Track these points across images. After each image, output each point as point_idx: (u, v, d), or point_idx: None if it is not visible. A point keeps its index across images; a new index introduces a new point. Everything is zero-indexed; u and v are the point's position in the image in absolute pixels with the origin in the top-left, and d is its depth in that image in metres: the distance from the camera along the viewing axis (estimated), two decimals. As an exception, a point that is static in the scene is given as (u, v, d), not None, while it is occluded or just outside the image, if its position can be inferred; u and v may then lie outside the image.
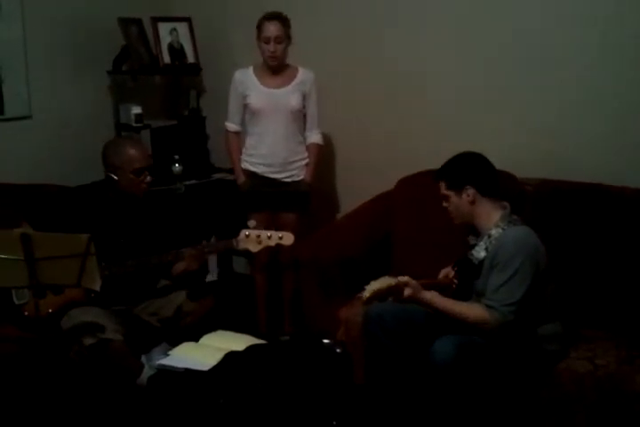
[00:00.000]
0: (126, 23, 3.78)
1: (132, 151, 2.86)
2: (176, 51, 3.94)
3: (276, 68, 3.33)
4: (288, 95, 3.32)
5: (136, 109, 3.80)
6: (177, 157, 3.88)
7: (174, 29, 3.93)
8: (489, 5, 3.26)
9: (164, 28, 3.90)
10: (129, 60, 3.83)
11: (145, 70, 3.90)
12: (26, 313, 2.70)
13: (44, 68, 3.57)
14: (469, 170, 2.54)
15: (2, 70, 3.40)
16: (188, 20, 3.97)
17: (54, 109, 3.64)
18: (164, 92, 4.24)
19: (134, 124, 3.81)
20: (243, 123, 3.45)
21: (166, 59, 3.90)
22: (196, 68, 4.04)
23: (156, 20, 3.88)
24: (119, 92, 3.89)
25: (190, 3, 4.11)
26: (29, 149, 3.55)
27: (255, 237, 2.73)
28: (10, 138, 3.46)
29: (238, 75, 3.37)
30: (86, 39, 3.73)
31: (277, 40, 3.24)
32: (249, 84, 3.34)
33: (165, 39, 3.90)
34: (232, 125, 3.45)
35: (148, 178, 2.87)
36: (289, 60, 3.37)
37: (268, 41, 3.24)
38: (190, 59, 3.99)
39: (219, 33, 4.03)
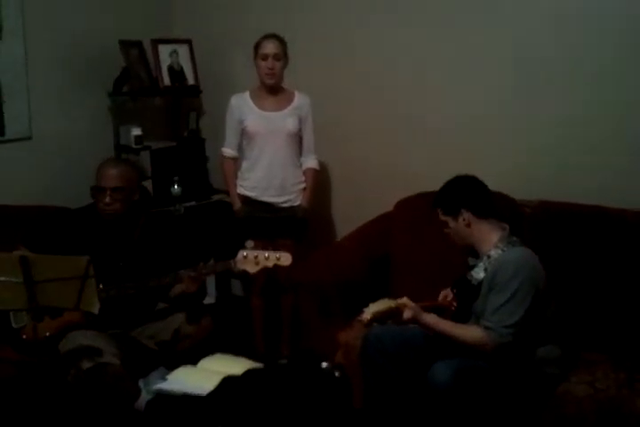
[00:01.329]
0: (127, 45, 3.81)
1: (99, 170, 2.86)
2: (176, 73, 3.97)
3: (272, 89, 3.34)
4: (284, 119, 3.33)
5: (136, 131, 3.81)
6: (176, 178, 3.89)
7: (175, 51, 3.96)
8: (487, 34, 3.28)
9: (164, 50, 3.93)
10: (129, 81, 3.85)
11: (145, 92, 3.92)
12: (24, 337, 2.69)
13: (45, 90, 3.59)
14: (462, 194, 2.56)
15: (3, 91, 3.41)
16: (188, 42, 4.01)
17: (54, 131, 3.65)
18: (164, 114, 4.26)
19: (134, 146, 3.82)
20: (239, 149, 3.45)
21: (166, 81, 3.92)
22: (195, 90, 4.06)
23: (156, 42, 3.91)
24: (119, 114, 3.91)
25: (191, 25, 4.15)
26: (29, 171, 3.56)
27: (253, 258, 2.71)
28: (10, 159, 3.47)
29: (234, 100, 3.38)
30: (87, 61, 3.76)
31: (276, 57, 3.26)
32: (245, 109, 3.34)
33: (166, 61, 3.93)
34: (229, 151, 3.45)
35: (107, 199, 2.80)
36: (286, 85, 3.39)
37: (266, 58, 3.26)
38: (190, 81, 4.01)
39: (219, 55, 4.06)
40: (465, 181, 2.60)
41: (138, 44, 3.89)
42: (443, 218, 2.59)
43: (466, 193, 2.56)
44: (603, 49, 3.03)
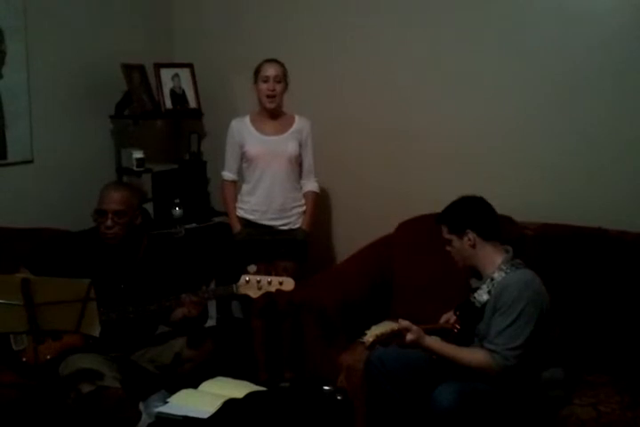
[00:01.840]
0: (129, 69, 3.84)
1: (102, 193, 2.87)
2: (178, 96, 4.00)
3: (273, 113, 3.36)
4: (285, 142, 3.34)
5: (137, 154, 3.82)
6: (177, 200, 3.91)
7: (176, 75, 4.00)
8: (488, 56, 3.33)
9: (166, 74, 3.96)
10: (131, 104, 3.87)
11: (147, 115, 3.95)
12: (24, 359, 2.67)
13: (47, 113, 3.60)
14: (470, 214, 2.55)
15: (5, 115, 3.43)
16: (190, 66, 4.04)
17: (56, 154, 3.66)
18: (166, 137, 4.28)
19: (135, 169, 3.83)
20: (239, 172, 3.46)
21: (168, 104, 3.95)
22: (197, 113, 4.08)
23: (158, 66, 3.94)
24: (121, 137, 3.92)
25: (192, 49, 4.19)
26: (31, 193, 3.55)
27: (255, 283, 2.71)
28: (11, 182, 3.47)
29: (235, 124, 3.40)
30: (89, 84, 3.78)
31: (276, 79, 3.29)
32: (245, 133, 3.36)
33: (167, 84, 3.96)
34: (229, 174, 3.46)
35: (108, 223, 2.80)
36: (286, 109, 3.41)
37: (267, 80, 3.29)
38: (192, 104, 4.04)
39: (220, 79, 4.10)
40: (474, 201, 2.60)
41: (140, 68, 3.92)
42: (447, 236, 2.58)
43: (474, 214, 2.56)
44: (604, 78, 3.08)
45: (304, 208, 3.43)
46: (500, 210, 2.65)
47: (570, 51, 3.13)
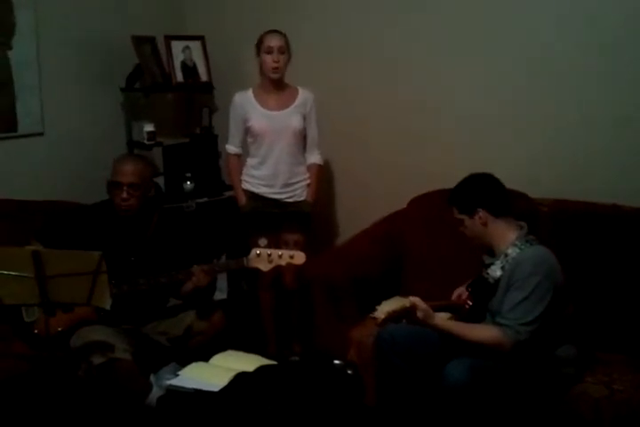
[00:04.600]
0: (140, 41, 3.80)
1: (116, 166, 2.86)
2: (189, 69, 3.96)
3: (277, 85, 3.33)
4: (289, 117, 3.32)
5: (148, 127, 3.80)
6: (188, 174, 3.89)
7: (187, 48, 3.95)
8: (503, 34, 3.27)
9: (177, 47, 3.92)
10: (142, 77, 3.84)
11: (158, 88, 3.91)
12: (36, 331, 2.68)
13: (57, 85, 3.58)
14: (478, 193, 2.53)
15: (15, 87, 3.41)
16: (201, 38, 3.99)
17: (67, 126, 3.64)
18: (177, 111, 4.25)
19: (146, 142, 3.81)
20: (243, 145, 3.45)
21: (179, 77, 3.91)
22: (208, 87, 4.05)
23: (169, 39, 3.90)
24: (132, 110, 3.90)
25: (204, 21, 4.14)
26: (41, 166, 3.55)
27: (266, 256, 2.71)
28: (22, 154, 3.46)
29: (238, 98, 3.37)
30: (99, 57, 3.75)
31: (280, 50, 3.26)
32: (249, 108, 3.34)
33: (178, 57, 3.92)
34: (232, 148, 3.45)
35: (124, 195, 2.80)
36: (290, 81, 3.38)
37: (271, 50, 3.25)
38: (203, 77, 4.00)
39: (232, 52, 4.04)
40: (481, 179, 2.57)
41: (151, 40, 3.89)
42: (458, 216, 2.56)
43: (482, 192, 2.53)
44: (621, 47, 3.01)
45: (308, 181, 3.43)
46: (514, 186, 2.62)
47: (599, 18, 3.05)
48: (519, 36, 3.23)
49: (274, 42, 3.26)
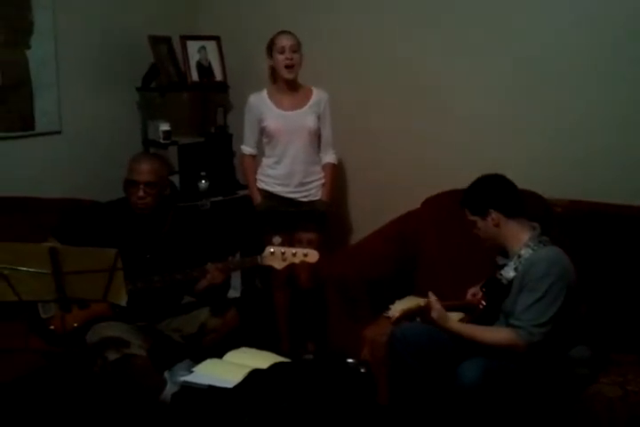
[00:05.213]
0: (156, 41, 3.83)
1: (132, 164, 2.88)
2: (204, 68, 3.98)
3: (290, 85, 3.34)
4: (304, 117, 3.34)
5: (164, 126, 3.83)
6: (203, 173, 3.91)
7: (203, 47, 3.98)
8: (510, 31, 3.27)
9: (192, 46, 3.94)
10: (158, 77, 3.86)
11: (173, 87, 3.94)
12: (52, 327, 2.71)
13: (75, 84, 3.61)
14: (489, 194, 2.53)
15: (33, 86, 3.44)
16: (216, 38, 4.02)
17: (83, 125, 3.67)
18: (192, 110, 4.28)
19: (162, 141, 3.84)
20: (258, 145, 3.47)
21: (194, 76, 3.93)
22: (223, 86, 4.07)
23: (185, 39, 3.92)
24: (147, 109, 3.93)
25: (219, 21, 4.16)
26: (58, 164, 3.58)
27: (280, 254, 2.72)
28: (39, 153, 3.49)
29: (252, 99, 3.39)
30: (116, 56, 3.78)
31: (292, 49, 3.27)
32: (264, 108, 3.35)
33: (194, 57, 3.94)
34: (248, 149, 3.47)
35: (140, 193, 2.82)
36: (304, 82, 3.39)
37: (283, 50, 3.27)
38: (218, 77, 4.02)
39: (247, 51, 4.06)
40: (492, 180, 2.57)
41: (167, 40, 3.91)
42: (471, 218, 2.56)
43: (493, 193, 2.53)
44: (621, 47, 3.00)
45: (323, 180, 3.44)
46: (528, 186, 2.61)
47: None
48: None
49: (285, 41, 3.28)
